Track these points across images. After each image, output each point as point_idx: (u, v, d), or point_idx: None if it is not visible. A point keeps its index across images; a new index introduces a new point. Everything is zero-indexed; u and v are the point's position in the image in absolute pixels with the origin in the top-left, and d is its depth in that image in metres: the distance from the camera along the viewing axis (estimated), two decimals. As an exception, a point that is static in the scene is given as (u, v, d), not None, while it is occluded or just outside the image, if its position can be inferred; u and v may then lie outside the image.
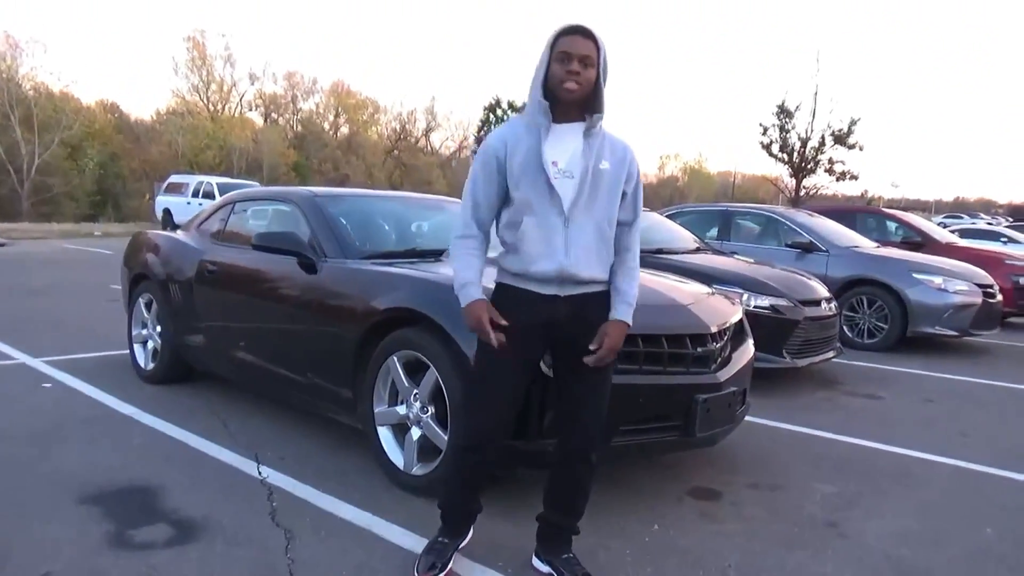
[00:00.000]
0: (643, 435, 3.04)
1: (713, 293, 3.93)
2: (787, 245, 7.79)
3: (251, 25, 76.65)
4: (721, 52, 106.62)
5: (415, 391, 3.13)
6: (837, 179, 26.69)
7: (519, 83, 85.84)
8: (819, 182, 27.13)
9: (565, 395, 2.42)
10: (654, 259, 5.61)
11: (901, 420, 4.72)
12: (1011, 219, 30.37)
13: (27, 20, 65.69)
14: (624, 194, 2.36)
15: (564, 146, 2.27)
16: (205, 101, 47.15)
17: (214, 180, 22.59)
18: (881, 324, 7.18)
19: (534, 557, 2.53)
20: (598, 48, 2.22)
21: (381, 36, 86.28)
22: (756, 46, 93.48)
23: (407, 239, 4.23)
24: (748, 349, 3.74)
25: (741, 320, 3.82)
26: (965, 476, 3.70)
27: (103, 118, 40.87)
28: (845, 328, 7.29)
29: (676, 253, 5.96)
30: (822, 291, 5.84)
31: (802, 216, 8.40)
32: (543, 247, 2.25)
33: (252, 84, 49.70)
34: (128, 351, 5.09)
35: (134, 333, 5.03)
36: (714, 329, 3.25)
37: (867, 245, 8.10)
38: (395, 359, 3.19)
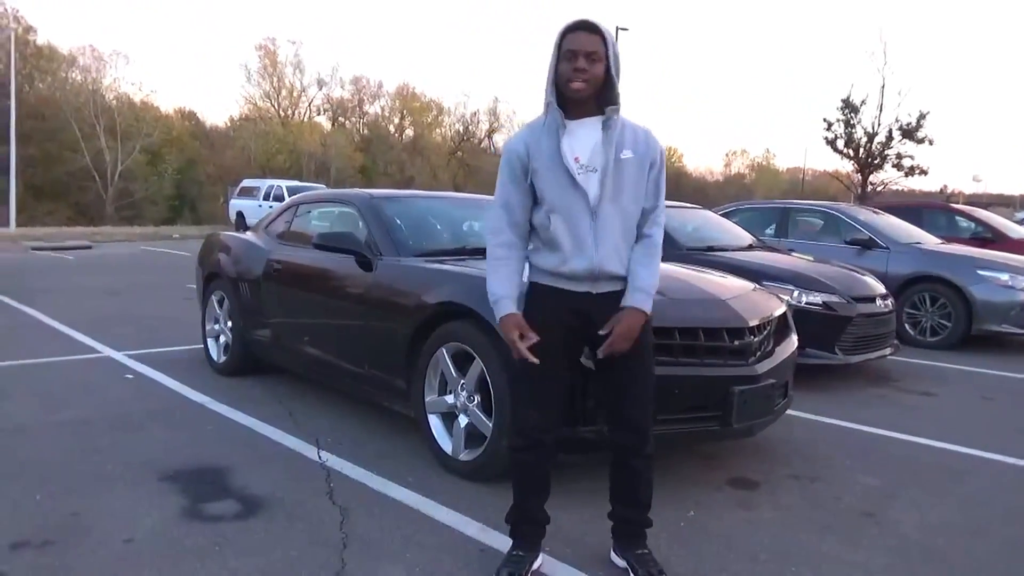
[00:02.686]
0: (680, 424, 3.14)
1: (756, 288, 3.99)
2: (846, 242, 7.69)
3: (320, 31, 78.67)
4: (788, 45, 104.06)
5: (462, 381, 3.31)
6: (906, 174, 25.85)
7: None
8: (888, 177, 26.33)
9: (607, 390, 2.45)
10: (704, 256, 5.67)
11: (954, 417, 4.67)
12: (1101, 214, 28.81)
13: (111, 33, 69.02)
14: (648, 181, 2.38)
15: (584, 141, 2.30)
16: (276, 107, 48.66)
17: (284, 184, 23.41)
18: (944, 322, 7.03)
19: (611, 552, 2.56)
20: (605, 41, 2.23)
21: (445, 39, 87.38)
22: (825, 37, 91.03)
23: (458, 237, 4.42)
24: (791, 344, 3.80)
25: (784, 315, 3.88)
26: (1014, 472, 3.67)
27: (180, 125, 42.62)
28: (907, 326, 7.17)
29: (727, 250, 6.00)
30: (877, 288, 5.78)
31: (862, 212, 8.27)
32: (573, 244, 2.30)
33: (320, 89, 51.00)
34: (202, 345, 5.44)
35: (207, 328, 5.37)
36: (753, 323, 3.33)
37: (930, 241, 7.93)
38: (444, 351, 3.38)
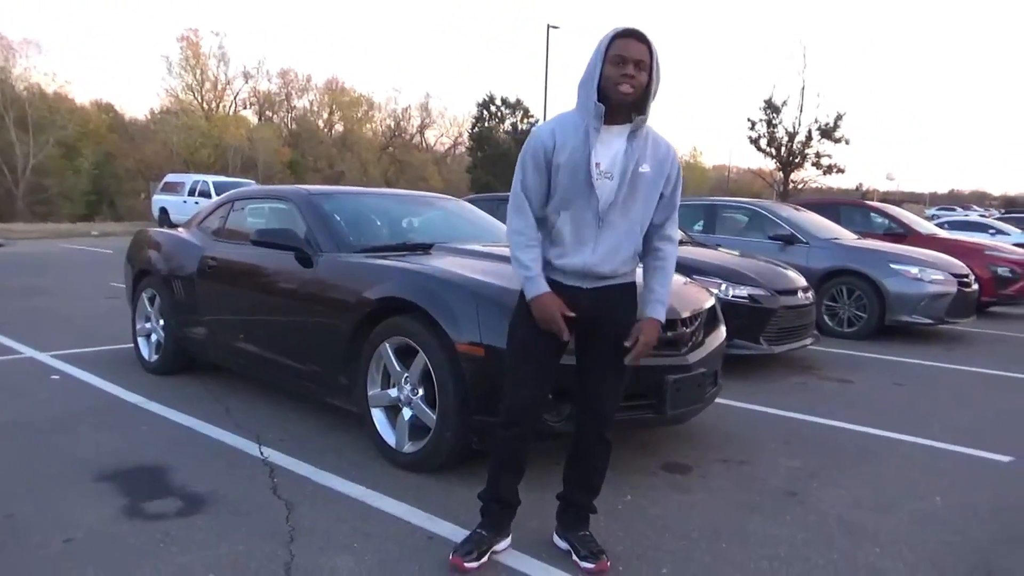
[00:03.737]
0: (618, 413, 3.26)
1: (688, 282, 4.16)
2: (769, 238, 8.03)
3: (245, 23, 76.66)
4: (715, 45, 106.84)
5: (406, 375, 3.36)
6: (824, 172, 27.05)
7: (511, 80, 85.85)
8: (807, 176, 27.47)
9: (584, 380, 2.54)
10: (637, 251, 5.84)
11: (868, 402, 4.97)
12: (1003, 211, 30.69)
13: (21, 21, 65.69)
14: (662, 195, 2.44)
15: (609, 148, 2.35)
16: (199, 100, 47.21)
17: (210, 179, 22.79)
18: (860, 313, 7.43)
19: (554, 535, 2.66)
20: (651, 52, 2.28)
21: (375, 32, 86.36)
22: (750, 38, 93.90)
23: (398, 234, 4.45)
24: (720, 335, 3.99)
25: (714, 307, 4.06)
26: (922, 452, 3.95)
27: (97, 118, 40.92)
28: (825, 317, 7.54)
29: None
30: (799, 281, 6.08)
31: (785, 209, 8.64)
32: (574, 242, 2.39)
33: (246, 82, 49.75)
34: (132, 344, 5.32)
35: (138, 327, 5.25)
36: (685, 315, 3.49)
37: (848, 237, 8.35)
38: (387, 345, 3.42)
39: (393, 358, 3.40)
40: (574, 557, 2.54)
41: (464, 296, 3.18)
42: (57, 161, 34.20)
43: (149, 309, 5.14)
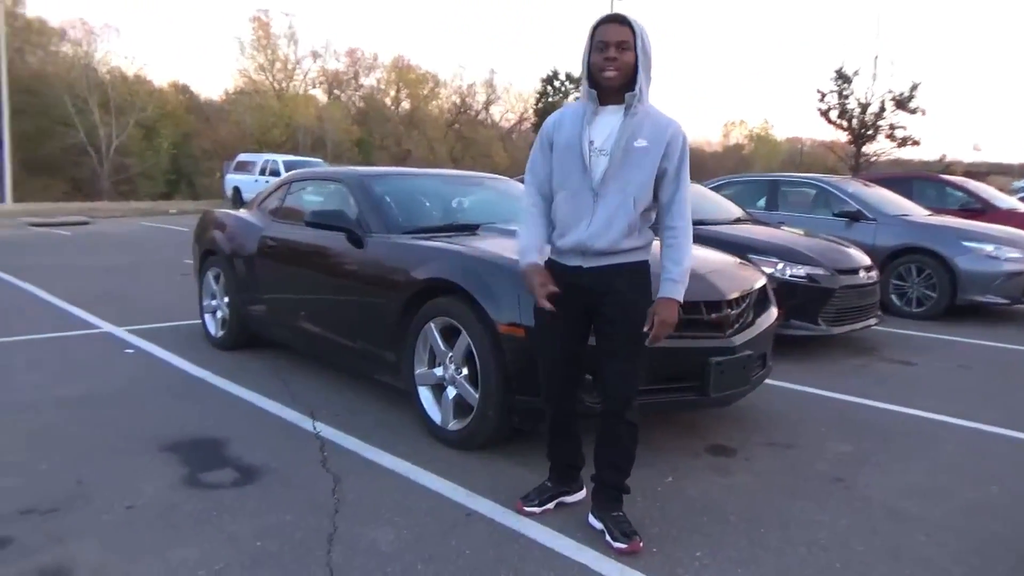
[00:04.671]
0: (660, 395, 3.27)
1: (738, 262, 4.10)
2: (835, 214, 7.79)
3: (313, 2, 77.75)
4: (789, 11, 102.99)
5: (450, 354, 3.43)
6: (899, 145, 25.89)
7: (577, 55, 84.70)
8: (881, 148, 26.36)
9: (600, 362, 2.59)
10: (691, 230, 5.76)
11: (930, 385, 4.81)
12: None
13: (100, 5, 68.21)
14: (665, 171, 2.48)
15: (603, 126, 2.47)
16: (271, 80, 48.30)
17: (280, 159, 23.38)
18: (929, 292, 7.16)
19: (589, 515, 2.71)
20: (634, 32, 2.39)
21: (440, 9, 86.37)
22: (824, 3, 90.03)
23: (447, 214, 4.52)
24: (770, 316, 3.92)
25: (764, 288, 4.00)
26: (982, 438, 3.82)
27: (175, 99, 42.27)
28: (893, 297, 7.30)
29: (714, 224, 6.10)
30: (861, 260, 5.90)
31: (851, 185, 8.35)
32: (571, 220, 2.50)
33: (315, 62, 50.63)
34: (200, 320, 5.56)
35: (204, 304, 5.48)
36: (730, 296, 3.45)
37: (918, 213, 8.03)
38: (432, 325, 3.50)
39: (438, 338, 3.48)
40: (607, 537, 2.57)
41: (506, 277, 3.21)
42: (138, 142, 35.55)
43: (214, 286, 5.36)
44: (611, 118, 2.47)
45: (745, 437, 3.70)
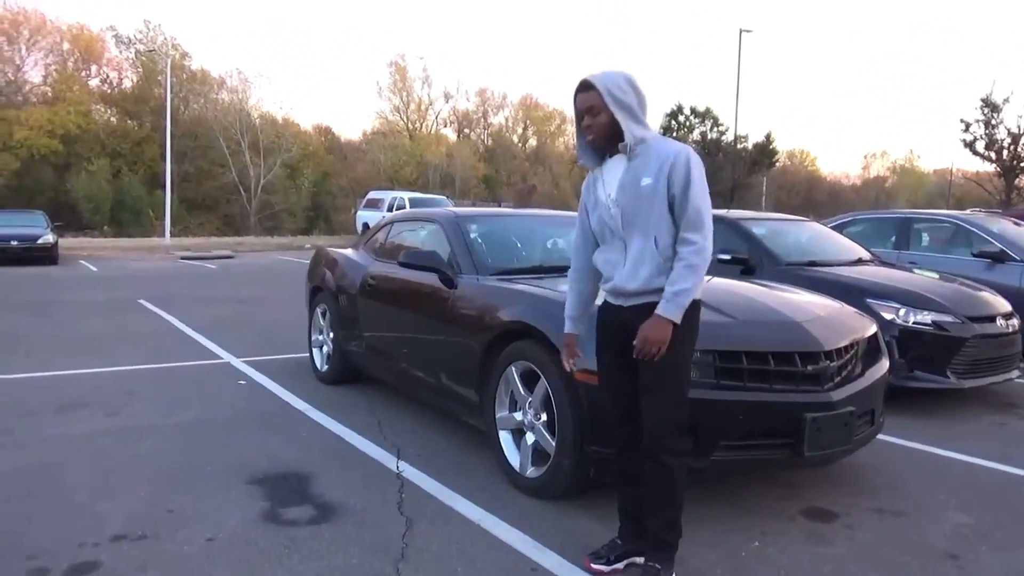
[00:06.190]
0: (747, 451, 3.06)
1: (844, 309, 3.81)
2: (974, 255, 7.13)
3: (446, 46, 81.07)
4: (936, 36, 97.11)
5: (529, 399, 3.37)
6: (1058, 178, 23.60)
7: (701, 88, 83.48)
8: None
9: (639, 396, 2.57)
10: (804, 272, 5.45)
11: (1082, 451, 4.25)
12: None
13: (254, 56, 74.06)
14: (675, 197, 2.45)
15: (613, 176, 2.57)
16: (405, 120, 50.59)
17: (406, 195, 24.34)
18: (1087, 343, 6.38)
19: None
20: (600, 93, 2.45)
21: (567, 48, 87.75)
22: (975, 25, 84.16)
23: (541, 255, 4.48)
24: (881, 367, 3.61)
25: (874, 337, 3.69)
26: None
27: (317, 140, 45.07)
28: (1043, 347, 6.56)
29: (831, 265, 5.73)
30: (1000, 306, 5.35)
31: (996, 223, 7.63)
32: (609, 271, 2.60)
33: (447, 102, 52.63)
34: (308, 355, 5.79)
35: (313, 338, 5.71)
36: (830, 347, 3.20)
37: (1074, 254, 7.21)
38: (513, 368, 3.45)
39: (518, 382, 3.43)
40: None
41: (584, 322, 3.12)
42: (282, 181, 38.08)
43: (322, 322, 5.57)
44: (617, 167, 2.56)
45: (850, 501, 3.39)
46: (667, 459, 2.49)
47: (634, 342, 2.44)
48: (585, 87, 2.49)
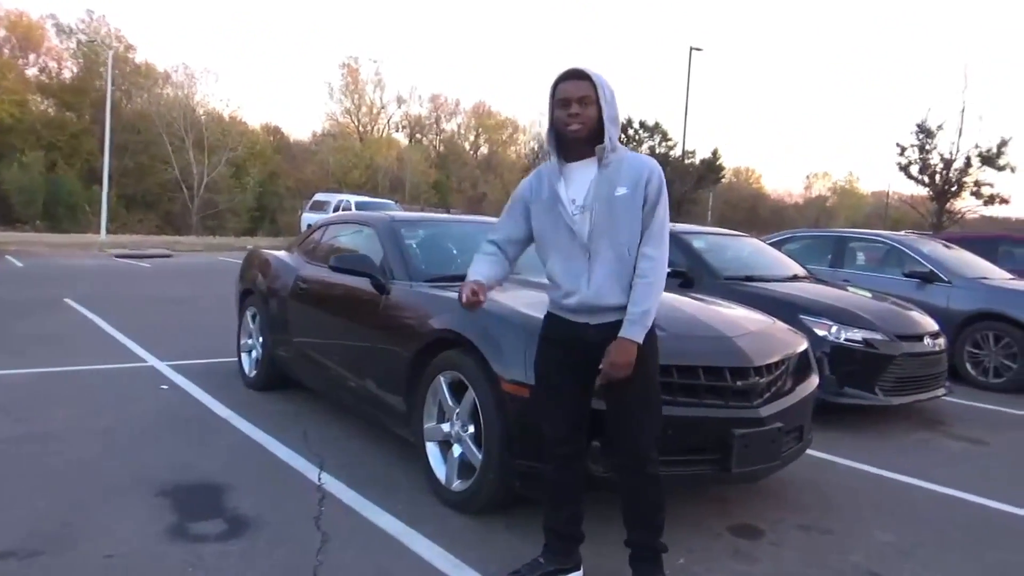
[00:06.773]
0: (676, 467, 3.01)
1: (776, 325, 3.81)
2: (905, 275, 7.31)
3: (400, 50, 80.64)
4: (877, 63, 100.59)
5: (457, 410, 3.27)
6: (985, 203, 24.65)
7: (650, 103, 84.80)
8: (966, 206, 25.16)
9: (614, 420, 2.52)
10: (740, 287, 5.48)
11: (1003, 469, 4.34)
12: None
13: (203, 52, 72.46)
14: (646, 212, 2.42)
15: (580, 183, 2.45)
16: (356, 123, 50.01)
17: (352, 199, 24.02)
18: (1008, 363, 6.57)
19: None
20: (595, 85, 2.37)
21: (522, 57, 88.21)
22: (913, 55, 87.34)
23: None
24: (810, 384, 3.62)
25: (805, 353, 3.69)
26: (1054, 535, 3.38)
27: (265, 140, 44.11)
28: (968, 366, 6.75)
29: (767, 281, 5.77)
30: (927, 325, 5.46)
31: (927, 244, 7.85)
32: (569, 282, 2.45)
33: (399, 107, 52.21)
34: (237, 359, 5.58)
35: (241, 342, 5.50)
36: (759, 363, 3.18)
37: (999, 276, 7.46)
38: (442, 378, 3.35)
39: (447, 392, 3.33)
40: None
41: (513, 332, 3.05)
42: (227, 179, 37.13)
43: (251, 326, 5.38)
44: (584, 172, 2.44)
45: (777, 517, 3.38)
46: (652, 469, 2.48)
47: (600, 366, 2.36)
48: (580, 75, 2.38)
